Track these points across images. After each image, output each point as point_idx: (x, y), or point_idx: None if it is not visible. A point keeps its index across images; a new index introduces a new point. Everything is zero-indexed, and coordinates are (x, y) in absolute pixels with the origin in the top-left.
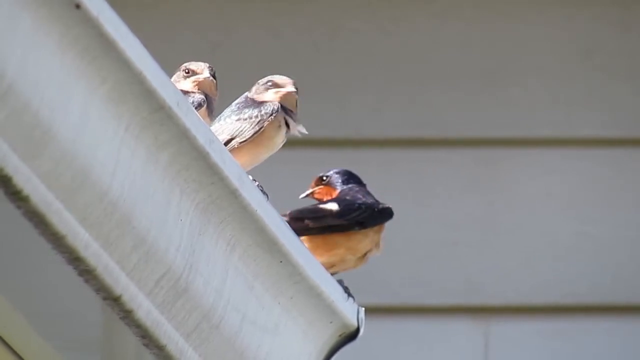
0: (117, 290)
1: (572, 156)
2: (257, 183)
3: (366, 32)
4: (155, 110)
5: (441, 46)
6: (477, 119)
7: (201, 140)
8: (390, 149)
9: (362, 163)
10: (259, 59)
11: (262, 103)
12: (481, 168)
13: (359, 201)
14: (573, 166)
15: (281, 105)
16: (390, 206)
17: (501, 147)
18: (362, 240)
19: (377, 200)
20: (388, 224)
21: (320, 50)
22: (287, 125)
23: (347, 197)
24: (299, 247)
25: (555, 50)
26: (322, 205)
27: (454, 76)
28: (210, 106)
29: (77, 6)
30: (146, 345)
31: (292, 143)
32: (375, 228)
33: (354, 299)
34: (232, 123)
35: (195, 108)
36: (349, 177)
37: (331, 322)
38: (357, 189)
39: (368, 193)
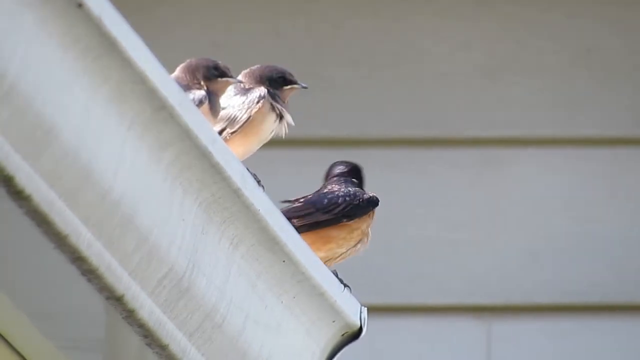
0: (120, 289)
1: (573, 155)
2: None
3: (369, 30)
4: (158, 110)
5: (442, 45)
6: (478, 118)
7: (203, 139)
8: (393, 148)
9: (365, 162)
10: (261, 58)
11: (249, 90)
12: (483, 167)
13: (342, 193)
14: (575, 165)
15: (269, 92)
16: (375, 195)
17: (503, 146)
18: (353, 231)
19: (360, 189)
20: (390, 224)
21: (321, 49)
22: (279, 113)
23: (328, 190)
24: (301, 247)
25: (556, 49)
26: (304, 203)
27: (455, 75)
28: (215, 105)
29: (79, 5)
30: (148, 345)
31: (294, 142)
32: (364, 217)
33: (350, 289)
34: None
35: (197, 105)
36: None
37: (334, 322)
38: (338, 179)
39: (350, 182)
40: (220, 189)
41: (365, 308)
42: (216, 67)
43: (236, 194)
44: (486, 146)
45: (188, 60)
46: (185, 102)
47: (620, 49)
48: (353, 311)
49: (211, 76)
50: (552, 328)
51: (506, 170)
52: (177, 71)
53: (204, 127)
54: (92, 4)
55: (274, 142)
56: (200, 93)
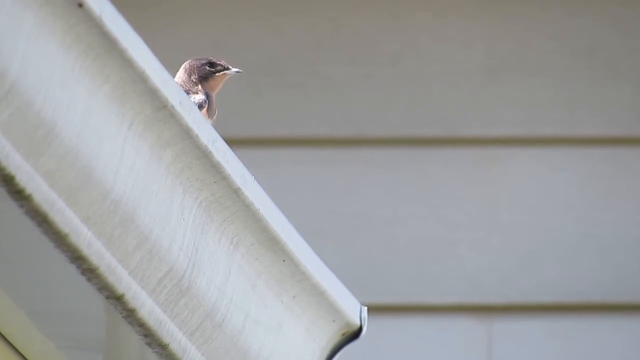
0: (120, 289)
1: (574, 155)
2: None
3: (369, 29)
4: (158, 109)
5: (443, 44)
6: (479, 117)
7: (204, 138)
8: (393, 147)
9: (365, 162)
10: (261, 57)
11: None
12: (484, 166)
13: None
14: (576, 165)
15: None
16: None
17: (504, 145)
18: None
19: None
20: (390, 223)
21: (321, 48)
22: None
23: None
24: (301, 246)
25: (558, 48)
26: None
27: (455, 74)
28: (212, 106)
29: (80, 5)
30: (149, 344)
31: (293, 141)
32: None
33: None
34: None
35: None
36: None
37: (334, 321)
38: None
39: None
40: (221, 188)
41: (366, 307)
42: (210, 64)
43: (236, 193)
44: (487, 145)
45: (185, 63)
46: (185, 102)
47: (622, 48)
48: (353, 310)
49: (206, 75)
50: (553, 328)
51: (506, 170)
52: (180, 73)
53: (204, 127)
54: (93, 3)
55: (273, 141)
56: (199, 98)
